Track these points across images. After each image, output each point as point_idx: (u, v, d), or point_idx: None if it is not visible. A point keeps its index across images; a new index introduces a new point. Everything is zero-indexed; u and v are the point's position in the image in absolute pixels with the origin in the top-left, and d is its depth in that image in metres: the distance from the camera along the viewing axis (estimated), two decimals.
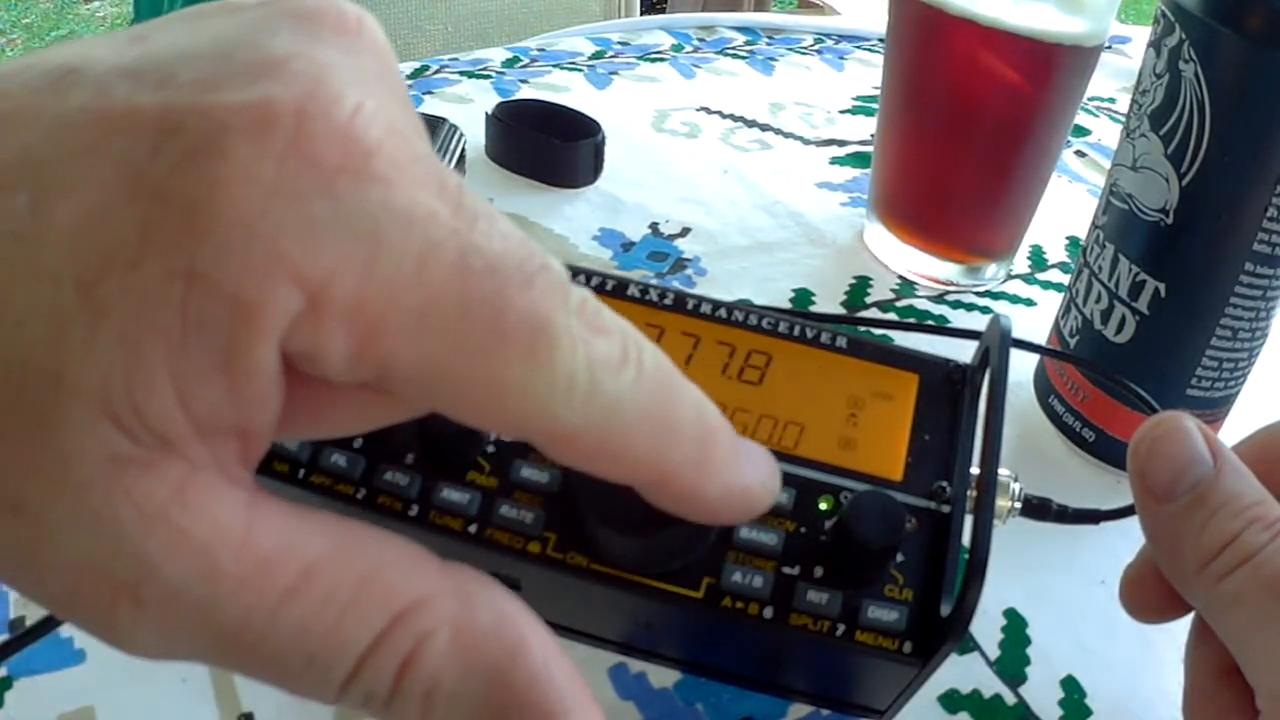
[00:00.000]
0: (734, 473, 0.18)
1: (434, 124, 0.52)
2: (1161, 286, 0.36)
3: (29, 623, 0.31)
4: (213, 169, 0.14)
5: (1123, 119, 0.38)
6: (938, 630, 0.23)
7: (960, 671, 0.33)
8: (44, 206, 0.14)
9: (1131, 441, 0.26)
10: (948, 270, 0.50)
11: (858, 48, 0.74)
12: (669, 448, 0.17)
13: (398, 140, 0.15)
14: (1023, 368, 0.44)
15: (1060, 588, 0.36)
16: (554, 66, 0.66)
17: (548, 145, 0.54)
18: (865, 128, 0.63)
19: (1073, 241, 0.55)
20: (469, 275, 0.15)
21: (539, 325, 0.15)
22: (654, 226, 0.53)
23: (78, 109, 0.14)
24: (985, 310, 0.50)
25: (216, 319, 0.14)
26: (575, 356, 0.16)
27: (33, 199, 0.14)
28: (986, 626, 0.35)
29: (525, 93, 0.63)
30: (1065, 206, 0.57)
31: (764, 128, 0.62)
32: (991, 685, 0.33)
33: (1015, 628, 0.35)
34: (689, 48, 0.71)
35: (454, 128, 0.53)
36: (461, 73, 0.65)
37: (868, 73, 0.70)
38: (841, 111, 0.65)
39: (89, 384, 0.14)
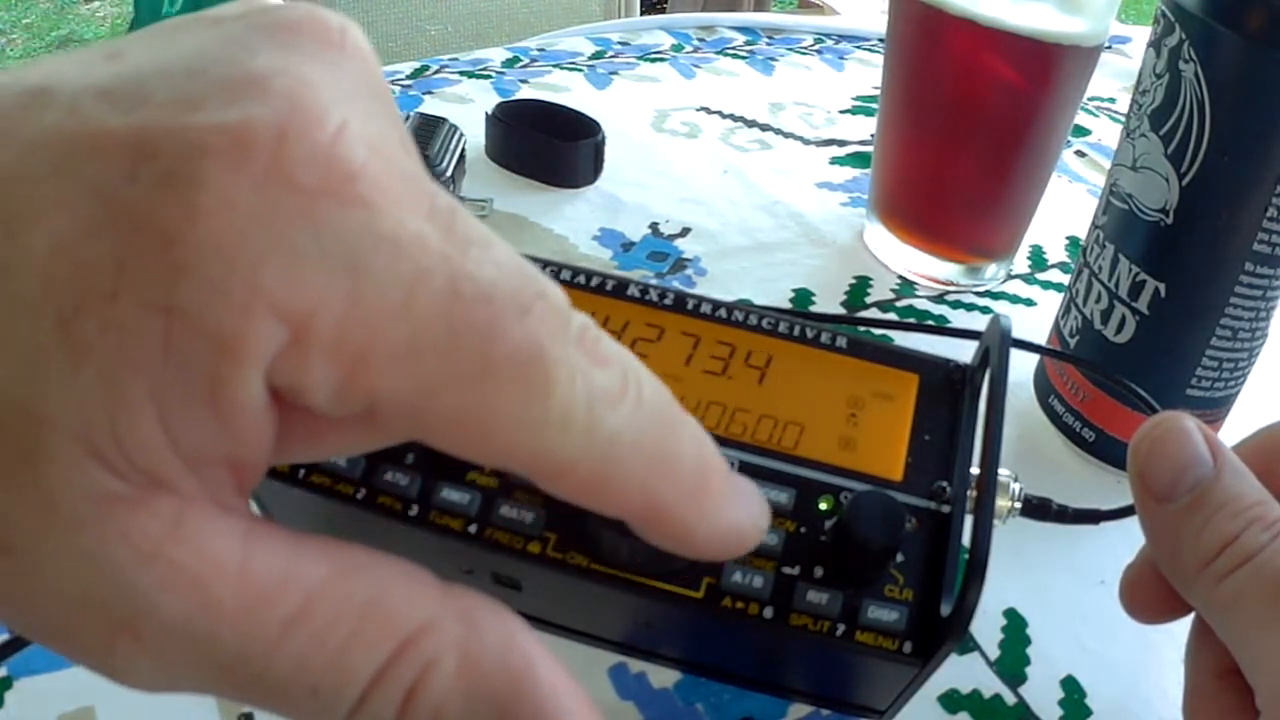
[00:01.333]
0: (727, 510, 0.18)
1: (434, 124, 0.52)
2: (1161, 286, 0.36)
3: None
4: (189, 196, 0.13)
5: (1123, 119, 0.38)
6: (938, 630, 0.23)
7: (960, 671, 0.33)
8: (18, 233, 0.13)
9: (1131, 441, 0.26)
10: (948, 270, 0.50)
11: (858, 48, 0.74)
12: (665, 482, 0.16)
13: (383, 160, 0.14)
14: (1023, 368, 0.44)
15: (1060, 588, 0.36)
16: (554, 66, 0.66)
17: (548, 145, 0.54)
18: (865, 128, 0.63)
19: (1073, 241, 0.55)
20: (459, 303, 0.14)
21: (534, 356, 0.15)
22: (654, 226, 0.53)
23: (50, 130, 0.14)
24: (985, 310, 0.50)
25: (198, 354, 0.13)
26: (573, 389, 0.15)
27: (7, 225, 0.13)
28: (986, 626, 0.35)
29: (525, 93, 0.63)
30: (1065, 206, 0.57)
31: (764, 128, 0.62)
32: (991, 685, 0.33)
33: (1015, 628, 0.35)
34: (689, 48, 0.71)
35: (454, 128, 0.53)
36: (461, 73, 0.65)
37: (868, 73, 0.70)
38: (841, 111, 0.65)
39: (72, 422, 0.13)
